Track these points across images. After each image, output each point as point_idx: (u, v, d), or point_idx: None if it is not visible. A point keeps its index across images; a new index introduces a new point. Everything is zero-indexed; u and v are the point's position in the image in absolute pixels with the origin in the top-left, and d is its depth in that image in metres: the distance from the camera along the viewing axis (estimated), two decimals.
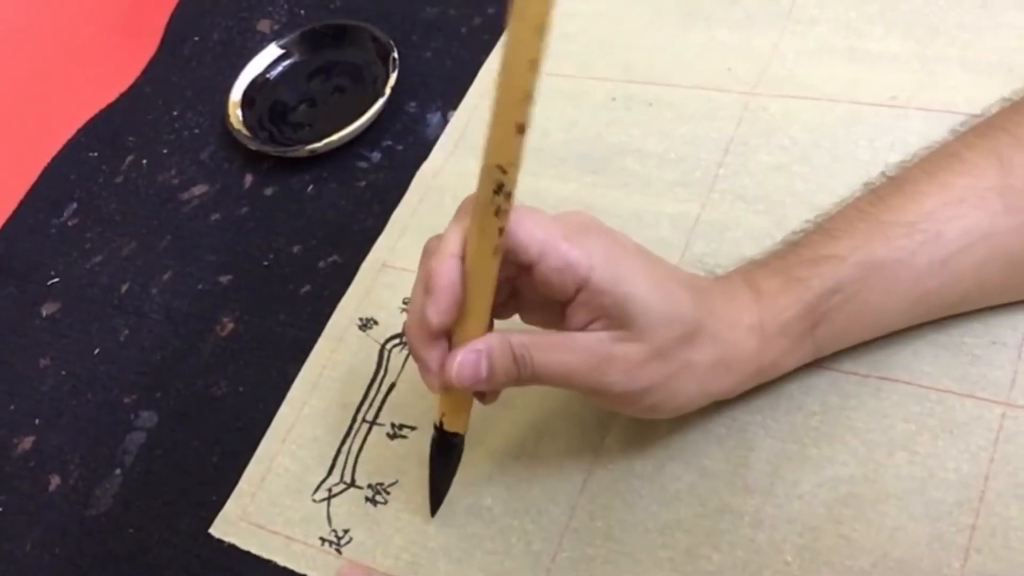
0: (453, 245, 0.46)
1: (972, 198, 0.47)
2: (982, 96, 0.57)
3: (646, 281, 0.46)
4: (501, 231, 0.44)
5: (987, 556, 0.45)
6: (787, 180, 0.60)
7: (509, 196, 0.43)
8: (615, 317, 0.46)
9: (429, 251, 0.48)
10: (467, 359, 0.46)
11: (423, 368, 0.48)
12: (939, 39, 0.64)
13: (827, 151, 0.61)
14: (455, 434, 0.51)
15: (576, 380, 0.47)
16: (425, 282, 0.46)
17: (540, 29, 0.39)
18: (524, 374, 0.47)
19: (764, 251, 0.53)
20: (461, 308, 0.46)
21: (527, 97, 0.41)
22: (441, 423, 0.50)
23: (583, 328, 0.47)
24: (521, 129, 0.41)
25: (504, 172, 0.42)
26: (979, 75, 0.61)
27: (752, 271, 0.51)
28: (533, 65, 0.40)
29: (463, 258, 0.45)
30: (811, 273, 0.48)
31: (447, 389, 0.48)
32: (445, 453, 0.52)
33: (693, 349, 0.47)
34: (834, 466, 0.50)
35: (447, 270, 0.45)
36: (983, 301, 0.51)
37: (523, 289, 0.48)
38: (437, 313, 0.46)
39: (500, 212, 0.43)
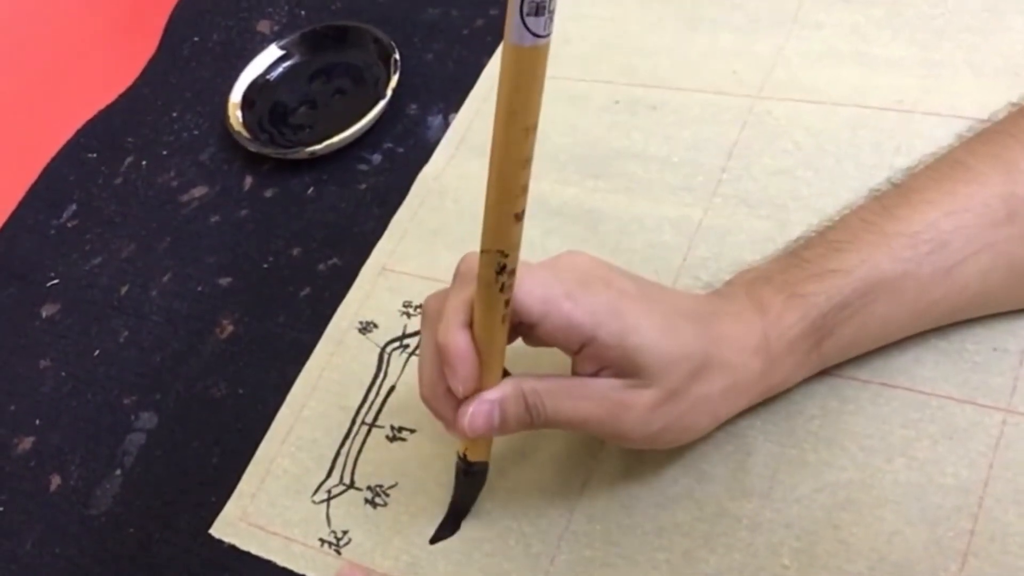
0: (461, 315, 0.47)
1: (977, 206, 0.49)
2: (988, 100, 0.59)
3: (651, 327, 0.47)
4: (507, 302, 0.46)
5: (984, 561, 0.47)
6: (791, 184, 0.62)
7: (512, 273, 0.45)
8: (624, 368, 0.47)
9: (431, 314, 0.50)
10: (479, 410, 0.48)
11: (447, 424, 0.50)
12: (945, 43, 0.65)
13: (832, 155, 0.63)
14: (480, 462, 0.53)
15: (591, 427, 0.49)
16: (441, 355, 0.48)
17: (529, 130, 0.40)
18: (537, 421, 0.49)
19: (767, 258, 0.55)
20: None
21: (523, 190, 0.42)
22: (464, 455, 0.53)
23: (592, 376, 0.48)
24: (519, 217, 0.43)
25: (505, 255, 0.44)
26: (985, 79, 0.63)
27: (756, 286, 0.52)
28: (526, 163, 0.41)
29: (471, 325, 0.47)
30: (817, 289, 0.50)
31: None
32: (471, 479, 0.54)
33: (703, 382, 0.48)
34: (833, 471, 0.51)
35: (461, 344, 0.47)
36: (986, 308, 0.52)
37: (526, 335, 0.50)
38: (460, 383, 0.48)
39: (505, 288, 0.45)
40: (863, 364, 0.53)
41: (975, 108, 0.60)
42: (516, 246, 0.44)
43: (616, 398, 0.48)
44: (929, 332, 0.53)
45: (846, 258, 0.50)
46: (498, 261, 0.44)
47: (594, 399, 0.48)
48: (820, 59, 0.68)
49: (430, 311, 0.50)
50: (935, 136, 0.60)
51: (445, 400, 0.49)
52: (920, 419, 0.51)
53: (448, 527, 0.56)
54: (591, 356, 0.47)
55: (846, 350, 0.52)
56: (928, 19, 0.67)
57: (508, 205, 0.42)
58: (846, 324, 0.50)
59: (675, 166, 0.66)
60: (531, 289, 0.46)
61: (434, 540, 0.55)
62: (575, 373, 0.49)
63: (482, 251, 0.44)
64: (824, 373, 0.54)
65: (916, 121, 0.62)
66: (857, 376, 0.53)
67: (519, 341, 0.51)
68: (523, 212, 0.43)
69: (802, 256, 0.52)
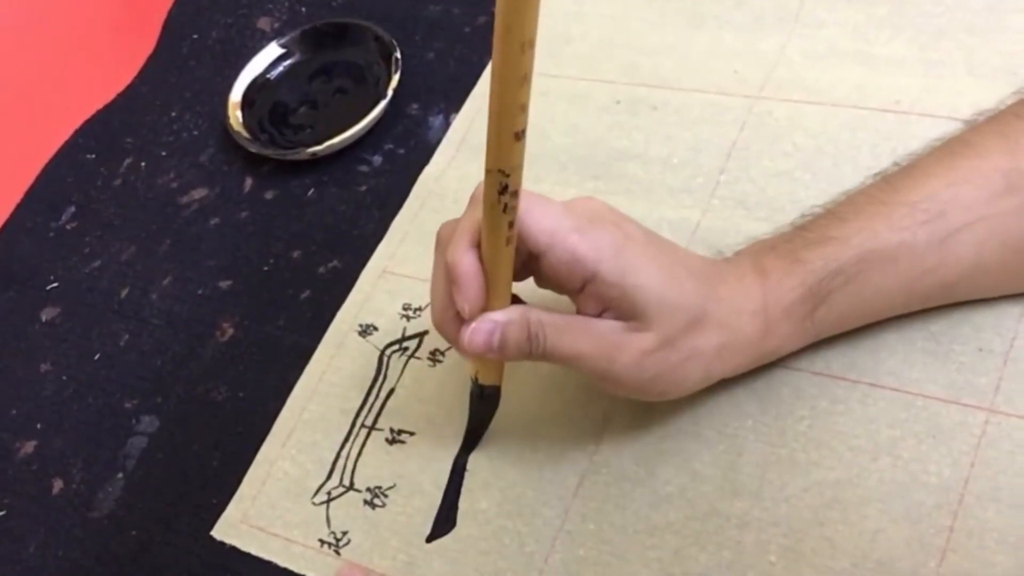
0: (470, 236, 0.53)
1: (977, 178, 0.54)
2: (986, 101, 0.62)
3: (653, 272, 0.52)
4: (511, 224, 0.51)
5: (962, 556, 0.52)
6: (789, 187, 0.67)
7: (515, 194, 0.50)
8: (623, 309, 0.53)
9: (443, 239, 0.55)
10: (482, 328, 0.54)
11: (455, 345, 0.56)
12: (945, 43, 0.70)
13: (830, 157, 0.67)
14: (491, 386, 0.60)
15: (584, 364, 0.54)
16: (449, 274, 0.54)
17: (525, 46, 0.44)
18: (535, 351, 0.54)
19: (775, 231, 0.59)
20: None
21: (522, 108, 0.46)
22: (476, 378, 0.59)
23: (595, 317, 0.54)
24: (519, 136, 0.47)
25: (507, 175, 0.49)
26: (983, 80, 0.67)
27: (761, 254, 0.57)
28: (524, 79, 0.45)
29: (479, 246, 0.53)
30: (815, 255, 0.55)
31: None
32: (483, 402, 0.61)
33: (698, 336, 0.54)
34: (820, 470, 0.56)
35: (468, 263, 0.53)
36: (979, 287, 0.57)
37: (535, 270, 0.55)
38: (466, 302, 0.53)
39: (508, 209, 0.50)
40: (853, 365, 0.59)
41: (972, 109, 0.63)
42: (518, 167, 0.49)
43: (613, 339, 0.53)
44: (917, 333, 0.58)
45: (846, 227, 0.55)
46: (500, 181, 0.48)
47: (592, 337, 0.53)
48: (822, 59, 0.72)
49: (442, 236, 0.56)
50: (930, 138, 0.63)
51: (454, 323, 0.55)
52: (906, 419, 0.56)
53: (464, 452, 0.63)
54: (593, 294, 0.53)
55: (839, 320, 0.57)
56: (930, 18, 0.72)
57: (508, 123, 0.46)
58: (840, 291, 0.55)
59: (675, 167, 0.71)
60: (540, 219, 0.52)
61: (431, 538, 0.61)
62: (579, 313, 0.55)
63: (486, 171, 0.49)
64: (814, 373, 0.59)
65: (913, 123, 0.67)
66: (847, 376, 0.59)
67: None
68: (523, 132, 0.47)
69: (807, 227, 0.57)
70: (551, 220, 0.52)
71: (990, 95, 0.62)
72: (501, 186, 0.49)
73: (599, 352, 0.53)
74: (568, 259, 0.52)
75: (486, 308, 0.54)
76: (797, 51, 0.74)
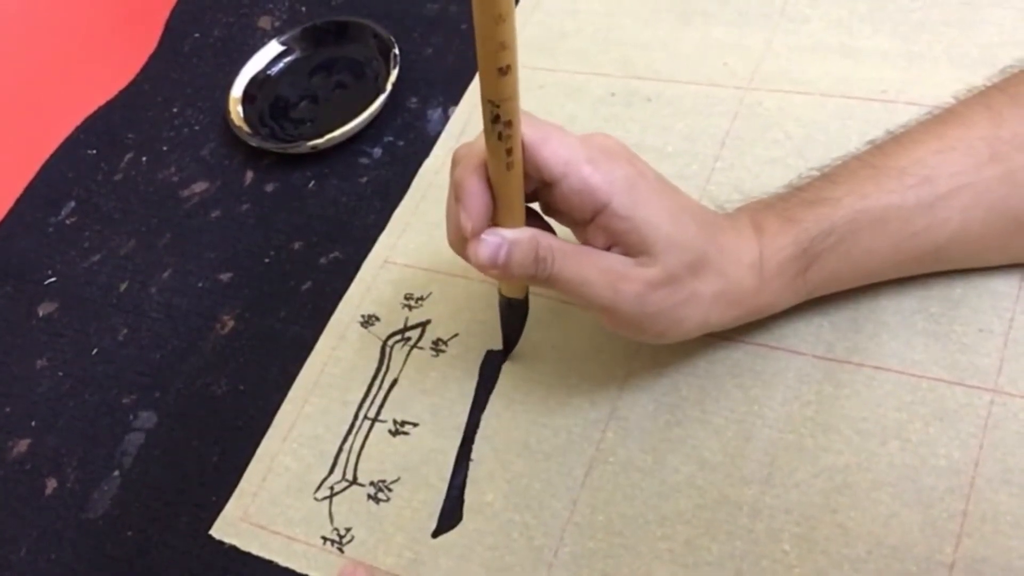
0: (478, 158, 0.50)
1: (962, 147, 0.52)
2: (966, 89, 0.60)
3: (661, 210, 0.50)
4: (509, 151, 0.48)
5: (978, 541, 0.48)
6: (782, 173, 0.63)
7: (508, 124, 0.47)
8: (631, 243, 0.50)
9: (457, 160, 0.52)
10: (490, 241, 0.51)
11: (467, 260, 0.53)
12: (925, 36, 0.68)
13: (820, 144, 0.64)
14: (515, 298, 0.58)
15: (588, 292, 0.51)
16: (455, 193, 0.51)
17: (496, 19, 0.42)
18: (540, 275, 0.51)
19: (772, 192, 0.57)
20: (495, 210, 0.51)
21: (502, 47, 0.44)
22: (500, 290, 0.58)
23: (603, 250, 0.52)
24: (504, 71, 0.45)
25: (497, 105, 0.46)
26: (963, 70, 0.65)
27: (758, 211, 0.55)
28: (500, 19, 0.43)
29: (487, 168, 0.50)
30: (808, 215, 0.53)
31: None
32: (512, 312, 0.59)
33: (699, 279, 0.51)
34: (829, 455, 0.53)
35: (472, 182, 0.50)
36: (967, 251, 0.54)
37: (547, 199, 0.52)
38: (468, 219, 0.50)
39: (503, 137, 0.47)
40: (855, 348, 0.55)
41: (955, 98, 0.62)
42: (507, 99, 0.46)
43: (619, 270, 0.50)
44: (917, 316, 0.55)
45: (838, 188, 0.54)
46: (491, 111, 0.47)
47: (598, 266, 0.50)
48: (807, 52, 0.70)
49: (457, 156, 0.53)
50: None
51: (465, 241, 0.52)
52: (912, 401, 0.53)
53: (501, 356, 0.61)
54: (602, 226, 0.50)
55: (831, 279, 0.55)
56: (908, 12, 0.70)
57: (490, 58, 0.44)
58: (831, 252, 0.53)
59: (670, 156, 0.67)
60: (556, 148, 0.49)
61: (437, 533, 0.56)
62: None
63: (481, 100, 0.47)
64: (818, 357, 0.55)
65: (899, 111, 0.64)
66: (850, 360, 0.55)
67: None
68: (508, 69, 0.45)
69: (803, 188, 0.56)
70: (567, 150, 0.49)
71: (970, 84, 0.60)
72: (493, 115, 0.47)
73: (603, 280, 0.50)
74: (581, 189, 0.49)
75: (497, 226, 0.51)
76: (783, 45, 0.71)
